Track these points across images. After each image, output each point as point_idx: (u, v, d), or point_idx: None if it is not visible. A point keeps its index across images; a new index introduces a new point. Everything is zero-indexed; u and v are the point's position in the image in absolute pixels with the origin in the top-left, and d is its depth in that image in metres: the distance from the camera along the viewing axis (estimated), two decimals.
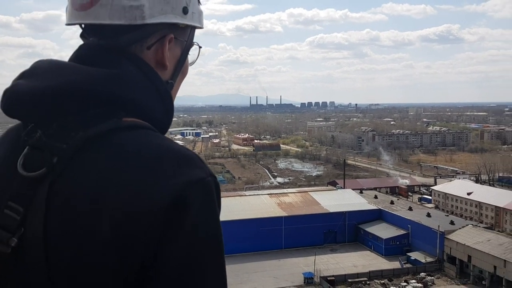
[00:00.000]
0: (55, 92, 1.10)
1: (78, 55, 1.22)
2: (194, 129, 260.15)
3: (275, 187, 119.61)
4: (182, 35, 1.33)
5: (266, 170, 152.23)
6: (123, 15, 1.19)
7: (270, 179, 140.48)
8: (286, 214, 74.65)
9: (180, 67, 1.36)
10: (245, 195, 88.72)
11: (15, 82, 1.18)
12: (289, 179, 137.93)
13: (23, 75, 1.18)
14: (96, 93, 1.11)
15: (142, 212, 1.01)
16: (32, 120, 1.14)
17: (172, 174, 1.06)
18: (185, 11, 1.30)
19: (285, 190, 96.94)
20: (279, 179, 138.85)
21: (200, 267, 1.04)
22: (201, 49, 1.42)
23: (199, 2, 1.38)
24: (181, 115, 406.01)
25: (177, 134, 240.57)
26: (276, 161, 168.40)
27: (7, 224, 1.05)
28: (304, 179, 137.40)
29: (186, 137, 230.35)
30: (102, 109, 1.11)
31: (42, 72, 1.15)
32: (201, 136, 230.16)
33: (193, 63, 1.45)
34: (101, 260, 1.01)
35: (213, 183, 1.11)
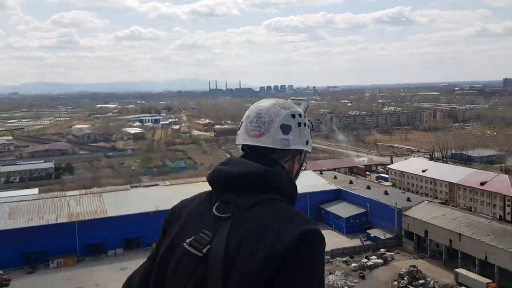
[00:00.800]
0: (242, 175, 2.04)
1: (250, 158, 2.15)
2: (153, 116, 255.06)
3: None
4: (301, 156, 2.34)
5: (228, 155, 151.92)
6: (278, 143, 2.17)
7: None
8: None
9: (297, 175, 2.35)
10: None
11: (219, 167, 2.14)
12: None
13: (223, 163, 2.15)
14: (263, 179, 2.04)
15: (283, 245, 1.84)
16: (225, 188, 2.06)
17: (300, 225, 1.93)
18: (307, 143, 2.30)
19: None
20: None
21: (309, 282, 1.87)
22: (306, 165, 2.39)
23: (311, 136, 2.34)
24: (139, 102, 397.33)
25: (135, 122, 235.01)
26: (238, 146, 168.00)
27: (201, 240, 1.94)
28: None
29: (145, 124, 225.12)
30: (265, 188, 2.04)
31: (234, 163, 2.12)
32: (161, 122, 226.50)
33: (301, 171, 2.38)
34: (255, 271, 1.83)
35: (321, 234, 1.98)
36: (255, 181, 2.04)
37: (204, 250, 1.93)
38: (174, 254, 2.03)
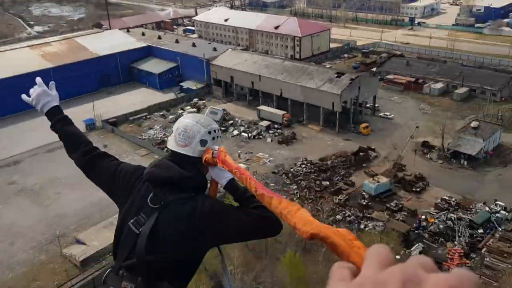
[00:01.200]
0: (167, 178, 2.91)
1: (175, 161, 3.01)
2: None
3: (35, 37, 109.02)
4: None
5: (20, 20, 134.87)
6: (198, 153, 3.04)
7: (27, 29, 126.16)
8: (54, 65, 71.24)
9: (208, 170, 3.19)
10: (0, 51, 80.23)
11: (150, 169, 3.00)
12: (49, 27, 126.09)
13: (154, 166, 3.01)
14: (181, 181, 2.91)
15: (190, 221, 2.83)
16: (156, 185, 2.92)
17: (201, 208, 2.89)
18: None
19: (47, 40, 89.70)
20: (38, 28, 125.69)
21: (224, 212, 2.95)
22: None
23: (222, 142, 3.23)
24: None
25: None
26: (29, 8, 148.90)
27: (139, 222, 2.86)
28: (65, 24, 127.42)
29: None
30: (183, 187, 2.90)
31: (162, 166, 2.99)
32: None
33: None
34: (172, 250, 2.80)
35: (211, 200, 3.00)
36: (176, 184, 2.90)
37: (140, 229, 2.81)
38: (125, 228, 2.93)
